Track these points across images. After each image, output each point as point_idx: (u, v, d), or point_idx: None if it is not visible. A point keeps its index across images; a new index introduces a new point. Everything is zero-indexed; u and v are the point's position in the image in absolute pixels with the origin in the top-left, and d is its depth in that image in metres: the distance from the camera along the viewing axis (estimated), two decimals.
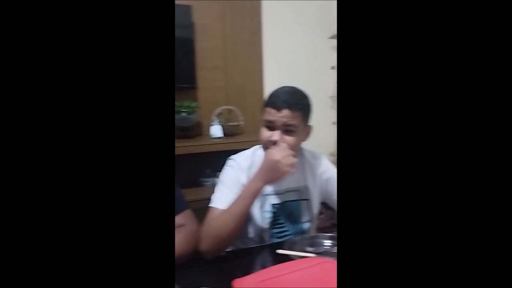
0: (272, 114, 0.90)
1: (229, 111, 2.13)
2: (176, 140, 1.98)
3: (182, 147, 1.88)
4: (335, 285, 0.55)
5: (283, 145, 0.88)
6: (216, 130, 1.99)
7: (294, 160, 0.86)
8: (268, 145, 0.91)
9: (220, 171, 1.19)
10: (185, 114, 1.92)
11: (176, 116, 1.93)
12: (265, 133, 0.92)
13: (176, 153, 1.78)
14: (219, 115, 2.08)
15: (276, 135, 0.89)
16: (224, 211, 0.87)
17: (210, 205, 0.92)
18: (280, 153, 0.85)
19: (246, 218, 0.87)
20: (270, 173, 0.85)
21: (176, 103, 1.94)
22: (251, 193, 0.85)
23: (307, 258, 0.73)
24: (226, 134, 2.02)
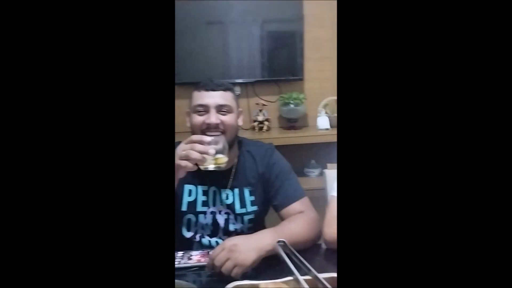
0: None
1: (336, 102, 2.09)
2: (282, 131, 2.05)
3: (288, 137, 1.93)
4: None
5: None
6: (322, 122, 1.98)
7: None
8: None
9: (326, 162, 1.19)
10: (293, 105, 1.96)
11: (284, 108, 1.99)
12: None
13: (282, 143, 1.83)
14: (326, 106, 2.06)
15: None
16: None
17: (332, 194, 0.93)
18: None
19: None
20: None
21: (284, 95, 2.00)
22: None
23: None
24: (333, 125, 1.99)
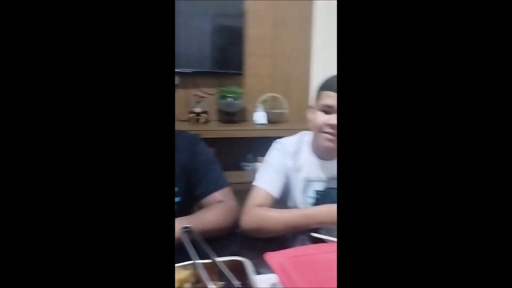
0: (332, 98, 0.89)
1: (274, 98, 2.14)
2: (220, 124, 2.05)
3: (226, 131, 1.94)
4: None
5: None
6: (260, 117, 2.02)
7: None
8: (324, 129, 0.91)
9: (261, 156, 1.23)
10: (231, 99, 1.97)
11: (222, 101, 2.00)
12: (322, 117, 0.91)
13: (220, 136, 1.85)
14: (264, 102, 2.10)
15: (334, 118, 0.88)
16: (276, 214, 0.87)
17: (253, 183, 0.96)
18: None
19: (292, 230, 0.86)
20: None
21: (222, 88, 2.00)
22: (312, 220, 0.83)
23: None
24: (270, 121, 2.04)
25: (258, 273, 0.62)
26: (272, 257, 0.57)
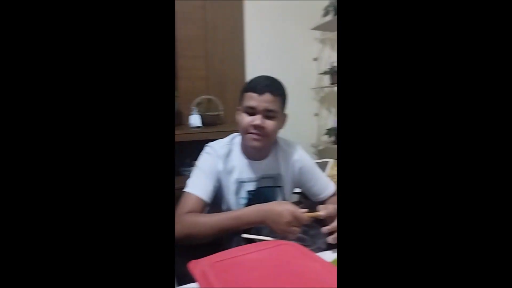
0: (254, 99, 0.90)
1: (209, 100, 2.12)
2: None
3: None
4: (291, 265, 0.56)
5: (294, 208, 0.79)
6: (195, 120, 1.98)
7: (297, 230, 0.78)
8: (249, 130, 0.92)
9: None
10: None
11: None
12: (246, 118, 0.92)
13: None
14: (199, 104, 2.07)
15: (257, 119, 0.90)
16: (206, 219, 0.85)
17: (184, 189, 0.93)
18: (290, 209, 0.79)
19: (223, 233, 0.85)
20: (269, 220, 0.80)
21: None
22: (242, 221, 0.82)
23: (267, 241, 0.75)
24: (205, 123, 2.01)
25: (191, 281, 0.60)
26: (194, 265, 0.55)
